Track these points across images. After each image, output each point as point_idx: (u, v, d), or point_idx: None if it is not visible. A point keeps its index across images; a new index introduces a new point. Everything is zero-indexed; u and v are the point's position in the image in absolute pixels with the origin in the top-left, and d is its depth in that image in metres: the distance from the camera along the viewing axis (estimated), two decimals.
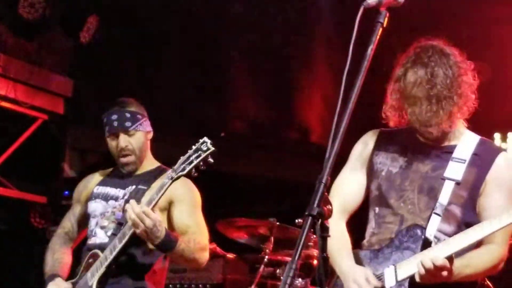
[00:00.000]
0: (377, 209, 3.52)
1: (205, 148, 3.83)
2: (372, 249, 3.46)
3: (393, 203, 3.44)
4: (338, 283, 3.42)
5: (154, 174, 4.29)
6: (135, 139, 4.25)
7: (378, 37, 2.64)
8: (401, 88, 3.42)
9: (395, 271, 3.25)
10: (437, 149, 3.48)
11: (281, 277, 5.53)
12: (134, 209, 3.79)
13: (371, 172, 3.58)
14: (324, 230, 2.36)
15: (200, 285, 6.59)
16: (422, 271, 3.11)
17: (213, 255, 6.08)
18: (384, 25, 2.67)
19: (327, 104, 7.83)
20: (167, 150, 4.58)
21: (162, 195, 3.88)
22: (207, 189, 7.52)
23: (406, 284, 3.22)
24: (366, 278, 3.27)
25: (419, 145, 3.52)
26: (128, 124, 4.21)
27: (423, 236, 3.28)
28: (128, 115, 4.23)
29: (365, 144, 3.65)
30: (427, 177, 3.42)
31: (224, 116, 8.48)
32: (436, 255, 3.12)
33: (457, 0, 7.44)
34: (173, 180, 3.86)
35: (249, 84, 8.18)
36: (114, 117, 4.23)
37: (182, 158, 3.86)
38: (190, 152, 3.85)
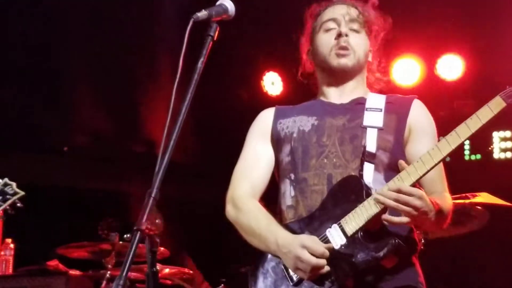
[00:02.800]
0: (292, 175, 3.24)
1: (11, 192, 3.56)
2: (300, 218, 3.16)
3: (314, 163, 3.20)
4: (268, 264, 3.14)
5: None
6: None
7: (208, 50, 2.66)
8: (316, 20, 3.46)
9: (342, 228, 2.99)
10: (346, 104, 3.35)
11: None
12: None
13: (278, 140, 3.35)
14: (154, 245, 2.33)
15: None
16: (391, 203, 2.84)
17: (56, 272, 5.93)
18: (215, 38, 2.69)
19: (173, 116, 7.80)
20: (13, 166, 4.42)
21: None
22: (49, 205, 7.35)
23: (359, 237, 2.97)
24: (313, 241, 2.98)
25: (326, 105, 3.38)
26: None
27: (363, 185, 3.04)
28: None
29: (263, 119, 3.48)
30: (345, 128, 3.24)
31: (67, 130, 8.28)
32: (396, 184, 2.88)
33: None
34: None
35: (92, 96, 8.02)
36: None
37: None
38: None
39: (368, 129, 3.19)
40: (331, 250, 2.96)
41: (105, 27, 7.64)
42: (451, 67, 7.73)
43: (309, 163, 3.20)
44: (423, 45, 7.70)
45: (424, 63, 7.81)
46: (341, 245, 2.98)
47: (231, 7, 2.79)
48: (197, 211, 8.76)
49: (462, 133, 2.90)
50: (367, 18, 3.42)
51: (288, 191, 3.25)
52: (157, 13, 7.71)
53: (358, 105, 3.33)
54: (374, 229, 2.99)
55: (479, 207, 5.15)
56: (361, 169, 3.11)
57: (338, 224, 3.01)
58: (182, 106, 2.53)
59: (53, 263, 6.05)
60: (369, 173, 3.10)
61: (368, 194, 3.00)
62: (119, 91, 8.13)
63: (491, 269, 6.85)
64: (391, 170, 3.15)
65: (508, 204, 5.28)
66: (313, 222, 3.09)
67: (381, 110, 3.26)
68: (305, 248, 2.94)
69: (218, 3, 2.78)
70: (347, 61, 3.33)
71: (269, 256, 3.15)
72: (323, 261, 2.94)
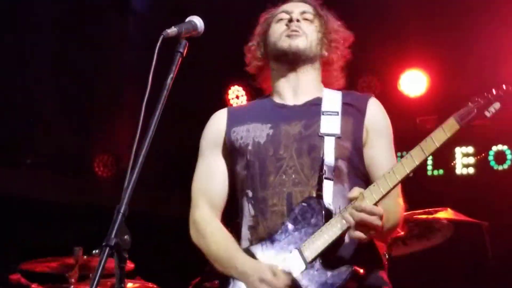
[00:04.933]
0: (249, 192, 3.09)
1: None
2: (260, 241, 3.02)
3: (272, 180, 3.03)
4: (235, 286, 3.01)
5: None
6: None
7: (177, 66, 2.66)
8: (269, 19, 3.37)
9: (301, 254, 2.89)
10: (300, 106, 3.20)
11: None
12: None
13: (233, 152, 3.19)
14: (122, 261, 2.33)
15: None
16: (352, 222, 2.75)
17: (18, 286, 5.86)
18: (184, 55, 2.70)
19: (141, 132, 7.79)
20: None
21: None
22: (12, 217, 7.27)
23: (318, 264, 2.87)
24: (273, 272, 2.88)
25: (278, 108, 3.23)
26: None
27: (322, 207, 2.92)
28: None
29: (214, 126, 3.30)
30: (302, 137, 3.08)
31: (30, 142, 8.21)
32: (360, 204, 2.77)
33: None
34: None
35: (56, 108, 7.98)
36: None
37: None
38: None
39: (325, 137, 3.05)
40: (291, 278, 2.87)
41: (73, 43, 7.62)
42: (415, 82, 7.81)
43: (267, 180, 3.05)
44: (386, 61, 7.77)
45: (387, 78, 7.88)
46: (301, 272, 2.87)
47: (200, 23, 2.80)
48: (165, 226, 8.74)
49: (417, 156, 2.84)
50: (320, 13, 3.33)
51: (247, 210, 3.11)
52: (124, 30, 7.71)
53: (314, 106, 3.18)
54: (334, 254, 2.91)
55: (443, 220, 5.18)
56: (319, 188, 2.97)
57: (297, 249, 2.90)
58: (151, 123, 2.53)
59: (15, 277, 5.97)
60: (328, 191, 2.96)
61: (328, 218, 2.89)
62: (85, 104, 8.10)
63: (454, 284, 6.92)
64: (351, 179, 3.06)
65: (470, 219, 5.33)
66: (273, 246, 2.97)
67: (337, 113, 3.12)
68: (264, 283, 2.87)
69: (187, 19, 2.79)
70: (298, 42, 3.19)
71: (232, 281, 3.04)
72: None
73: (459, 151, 7.74)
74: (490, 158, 7.67)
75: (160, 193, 8.93)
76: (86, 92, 8.01)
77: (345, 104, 3.17)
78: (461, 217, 5.23)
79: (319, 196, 2.96)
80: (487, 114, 2.85)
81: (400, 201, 3.09)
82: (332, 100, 3.19)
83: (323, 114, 3.11)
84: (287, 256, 2.92)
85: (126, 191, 2.39)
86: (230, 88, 8.80)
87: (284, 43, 3.20)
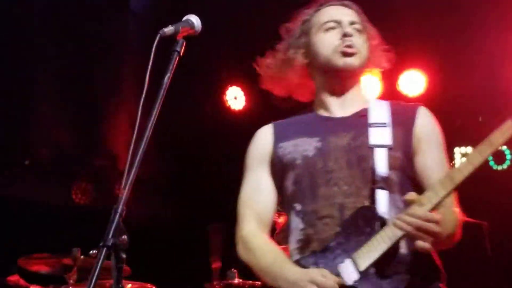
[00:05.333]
0: (298, 206, 3.04)
1: None
2: (312, 253, 2.96)
3: (323, 192, 2.98)
4: None
5: None
6: None
7: (175, 65, 2.65)
8: (310, 23, 3.22)
9: (354, 263, 2.81)
10: (348, 118, 3.15)
11: None
12: None
13: (281, 167, 3.12)
14: (119, 261, 2.31)
15: None
16: (408, 229, 2.68)
17: (16, 287, 5.86)
18: (181, 54, 2.69)
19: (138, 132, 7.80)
20: None
21: None
22: (11, 218, 7.25)
23: (371, 273, 2.80)
24: (323, 275, 2.80)
25: (325, 120, 3.17)
26: None
27: (377, 216, 2.86)
28: None
29: (260, 142, 3.25)
30: (351, 148, 3.02)
31: (28, 143, 8.20)
32: (415, 211, 2.70)
33: None
34: None
35: (54, 109, 7.96)
36: None
37: None
38: None
39: (376, 149, 2.99)
40: (342, 284, 2.79)
41: (69, 42, 7.61)
42: (413, 83, 7.81)
43: (317, 193, 2.99)
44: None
45: (386, 79, 7.88)
46: (354, 281, 2.79)
47: (197, 22, 2.77)
48: (160, 227, 8.73)
49: (474, 159, 2.78)
50: (365, 23, 3.26)
51: (296, 224, 3.05)
52: (122, 28, 7.70)
53: (361, 118, 3.12)
54: (389, 264, 2.83)
55: None
56: (372, 198, 2.91)
57: (351, 259, 2.83)
58: (148, 122, 2.51)
59: (14, 278, 5.97)
60: (383, 200, 2.91)
61: (383, 226, 2.82)
62: (81, 104, 8.08)
63: (454, 284, 6.89)
64: (404, 189, 2.96)
65: (470, 219, 5.31)
66: (326, 256, 2.89)
67: (386, 124, 3.06)
68: (313, 283, 2.78)
69: (184, 18, 2.77)
70: (353, 61, 3.11)
71: None
72: None
73: (458, 151, 7.74)
74: (490, 158, 7.64)
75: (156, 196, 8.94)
76: (84, 92, 7.99)
77: (393, 114, 3.12)
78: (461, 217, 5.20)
79: (373, 205, 2.90)
80: None
81: (456, 209, 3.01)
82: (380, 110, 3.14)
83: (370, 126, 3.07)
84: (339, 266, 2.85)
85: (123, 191, 2.38)
86: (228, 89, 8.79)
87: (339, 61, 3.11)
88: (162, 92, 2.57)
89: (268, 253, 3.04)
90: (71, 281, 5.65)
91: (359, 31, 3.18)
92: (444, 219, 2.78)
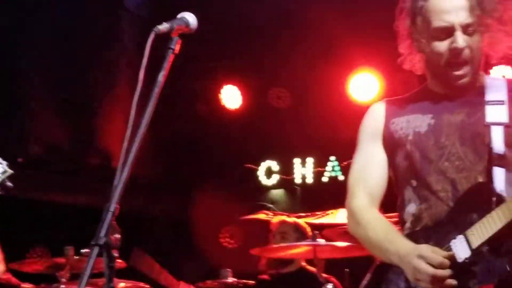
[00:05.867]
0: (413, 181, 3.00)
1: (1, 170, 3.52)
2: (424, 227, 2.94)
3: (434, 166, 2.95)
4: (390, 277, 2.91)
5: None
6: None
7: (169, 63, 2.63)
8: (423, 19, 3.00)
9: (467, 240, 2.74)
10: (462, 96, 3.04)
11: None
12: None
13: (393, 143, 3.09)
14: (111, 260, 2.29)
15: None
16: None
17: (7, 286, 5.83)
18: (176, 52, 2.67)
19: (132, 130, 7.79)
20: None
21: None
22: (3, 216, 7.22)
23: (485, 250, 2.71)
24: (432, 250, 2.76)
25: (439, 97, 3.08)
26: None
27: (493, 193, 2.78)
28: None
29: (372, 118, 3.21)
30: (464, 125, 2.96)
31: (21, 141, 8.17)
32: None
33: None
34: None
35: (48, 107, 7.94)
36: None
37: None
38: None
39: (492, 126, 2.92)
40: (453, 260, 2.74)
41: (64, 39, 7.58)
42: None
43: (429, 168, 2.96)
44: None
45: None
46: (465, 258, 2.74)
47: (192, 20, 2.75)
48: (155, 225, 8.72)
49: None
50: (483, 20, 2.99)
51: (410, 199, 3.02)
52: (116, 26, 7.68)
53: (477, 96, 3.04)
54: (503, 243, 2.73)
55: None
56: (489, 174, 2.86)
57: (463, 235, 2.77)
58: (142, 120, 2.50)
59: (5, 276, 5.94)
60: (500, 178, 2.84)
61: (499, 203, 2.74)
62: (75, 102, 8.06)
63: None
64: None
65: None
66: (438, 232, 2.86)
67: (503, 102, 2.98)
68: (422, 258, 2.74)
69: (179, 16, 2.75)
70: (464, 81, 3.00)
71: (391, 270, 2.93)
72: (442, 272, 2.72)
73: None
74: None
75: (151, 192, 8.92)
76: (78, 90, 7.97)
77: (510, 91, 3.03)
78: None
79: (490, 182, 2.85)
80: None
81: None
82: (496, 88, 3.05)
83: (487, 104, 2.99)
84: (452, 242, 2.79)
85: (115, 189, 2.36)
86: (223, 87, 8.78)
87: (450, 80, 3.03)
88: (156, 90, 2.55)
89: (379, 227, 3.00)
90: (64, 279, 5.63)
91: (470, 33, 2.98)
92: None
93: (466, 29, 2.96)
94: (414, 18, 3.06)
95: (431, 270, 2.72)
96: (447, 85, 3.07)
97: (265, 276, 6.30)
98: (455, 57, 2.97)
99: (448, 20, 2.96)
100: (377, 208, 3.10)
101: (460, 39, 2.95)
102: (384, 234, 2.96)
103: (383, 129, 3.14)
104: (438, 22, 2.98)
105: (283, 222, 6.40)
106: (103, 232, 2.27)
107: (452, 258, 2.74)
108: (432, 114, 3.05)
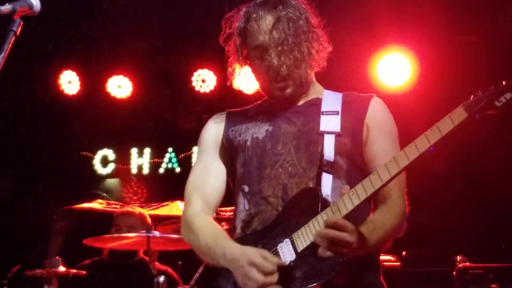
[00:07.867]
0: (246, 187, 3.08)
1: None
2: (254, 232, 3.00)
3: (269, 172, 3.03)
4: (219, 281, 2.95)
5: None
6: None
7: (10, 45, 2.56)
8: (245, 40, 3.13)
9: (292, 243, 2.82)
10: (300, 106, 3.17)
11: None
12: None
13: (231, 149, 3.19)
14: None
15: None
16: (323, 243, 2.68)
17: None
18: (18, 34, 2.60)
19: None
20: None
21: None
22: None
23: (308, 254, 2.78)
24: (263, 256, 2.78)
25: (277, 108, 3.18)
26: None
27: (320, 198, 2.84)
28: None
29: (212, 127, 3.30)
30: (300, 134, 3.08)
31: None
32: (330, 218, 2.68)
33: None
34: None
35: None
36: None
37: None
38: None
39: (325, 135, 3.04)
40: (281, 266, 2.79)
41: None
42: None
43: (263, 174, 3.05)
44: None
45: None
46: (290, 261, 2.80)
47: (36, 3, 2.70)
48: None
49: (421, 145, 2.66)
50: (294, 29, 3.10)
51: (242, 205, 3.10)
52: None
53: (313, 106, 3.17)
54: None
55: None
56: (318, 179, 2.94)
57: (289, 239, 2.84)
58: None
59: None
60: (327, 183, 2.93)
61: (324, 207, 2.80)
62: None
63: None
64: (350, 175, 3.01)
65: None
66: (266, 236, 2.92)
67: (337, 113, 3.11)
68: (253, 265, 2.77)
69: None
70: (289, 91, 3.13)
71: (220, 273, 2.97)
72: (272, 279, 2.76)
73: None
74: None
75: None
76: None
77: (345, 103, 3.15)
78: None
79: (318, 187, 2.92)
80: (497, 104, 2.65)
81: (400, 202, 2.99)
82: (332, 100, 3.17)
83: (323, 114, 3.10)
84: (279, 246, 2.85)
85: None
86: (62, 73, 8.60)
87: (276, 93, 3.15)
88: None
89: (208, 233, 3.05)
90: None
91: (286, 52, 3.08)
92: (375, 221, 2.85)
93: (278, 46, 3.07)
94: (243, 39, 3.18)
95: (262, 279, 2.76)
96: (275, 97, 3.20)
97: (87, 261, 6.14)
98: (275, 74, 3.09)
99: (260, 41, 3.10)
100: (211, 214, 3.19)
101: (275, 59, 3.07)
102: (213, 239, 3.01)
103: (223, 138, 3.25)
104: (253, 40, 3.13)
105: (130, 214, 6.25)
106: None
107: (281, 264, 2.80)
108: (270, 122, 3.17)
